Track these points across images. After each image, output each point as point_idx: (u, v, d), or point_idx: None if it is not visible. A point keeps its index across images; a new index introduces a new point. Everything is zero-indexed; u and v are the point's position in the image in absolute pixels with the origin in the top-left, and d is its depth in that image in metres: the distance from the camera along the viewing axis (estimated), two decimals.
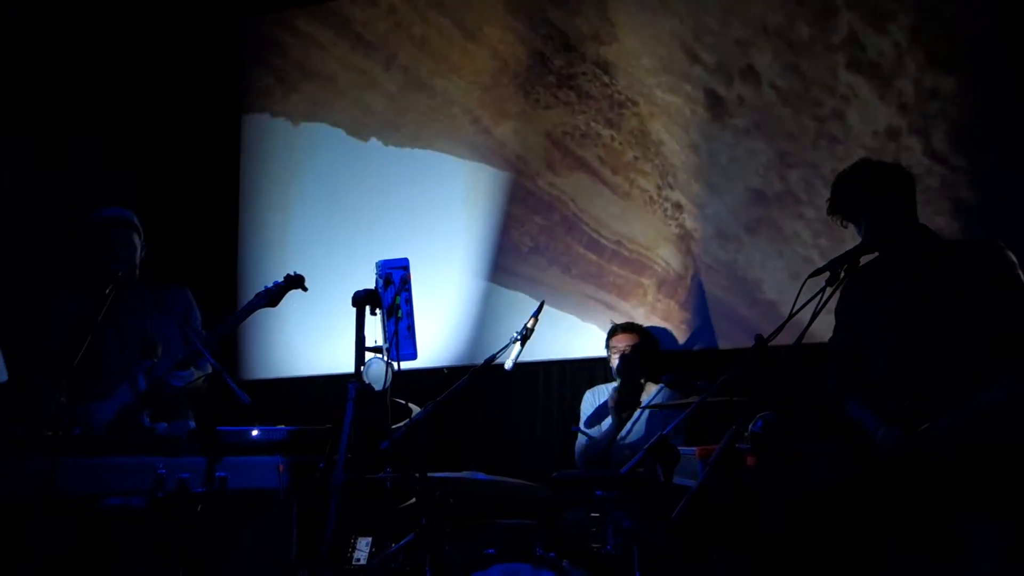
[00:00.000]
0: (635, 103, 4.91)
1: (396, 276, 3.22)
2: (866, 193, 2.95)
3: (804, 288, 2.61)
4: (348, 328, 3.13)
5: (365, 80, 5.61)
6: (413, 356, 3.24)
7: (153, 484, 3.13)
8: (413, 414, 3.40)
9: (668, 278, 4.75)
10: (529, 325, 3.66)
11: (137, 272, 3.81)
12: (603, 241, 4.92)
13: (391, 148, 5.51)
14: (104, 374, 3.69)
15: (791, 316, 2.59)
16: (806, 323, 2.54)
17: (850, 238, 3.07)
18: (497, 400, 4.94)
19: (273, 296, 3.81)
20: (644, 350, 4.37)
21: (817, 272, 2.69)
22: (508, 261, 5.12)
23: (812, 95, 4.57)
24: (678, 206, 4.77)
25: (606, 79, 4.99)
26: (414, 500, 3.24)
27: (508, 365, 3.63)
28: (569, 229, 5.00)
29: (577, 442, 4.41)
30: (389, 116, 5.54)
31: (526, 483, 3.71)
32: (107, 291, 3.47)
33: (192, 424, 3.77)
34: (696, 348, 4.66)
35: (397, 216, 5.42)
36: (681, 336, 4.69)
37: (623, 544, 3.43)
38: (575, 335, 4.90)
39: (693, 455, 3.02)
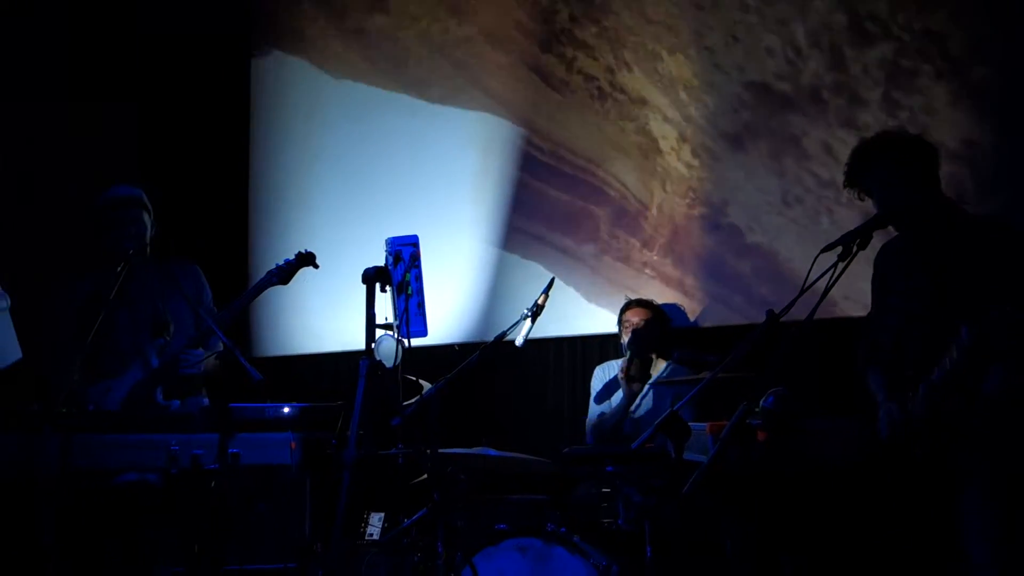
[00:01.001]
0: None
1: (406, 253, 3.22)
2: (882, 165, 2.93)
3: (816, 263, 2.59)
4: (359, 305, 3.13)
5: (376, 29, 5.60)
6: (423, 333, 3.25)
7: (166, 461, 3.16)
8: (424, 391, 3.41)
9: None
10: (540, 301, 3.66)
11: (148, 250, 3.82)
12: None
13: (399, 114, 5.48)
14: (116, 352, 3.71)
15: (803, 291, 2.57)
16: (818, 297, 2.52)
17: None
18: (508, 376, 4.94)
19: (285, 273, 3.82)
20: (656, 325, 4.36)
21: (830, 247, 2.67)
22: (519, 235, 5.10)
23: None
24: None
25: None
26: (426, 476, 3.25)
27: (519, 341, 3.64)
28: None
29: (588, 418, 4.42)
30: (400, 69, 5.52)
31: (537, 459, 3.72)
32: (118, 270, 3.48)
33: (205, 401, 3.79)
34: (707, 324, 4.64)
35: (407, 192, 5.40)
36: (692, 311, 4.67)
37: (634, 519, 3.45)
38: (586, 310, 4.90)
39: (704, 430, 3.03)
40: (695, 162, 4.73)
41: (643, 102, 4.85)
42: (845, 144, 4.06)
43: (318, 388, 5.26)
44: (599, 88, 4.98)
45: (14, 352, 3.34)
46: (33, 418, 3.16)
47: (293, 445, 3.28)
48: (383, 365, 3.11)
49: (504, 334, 3.64)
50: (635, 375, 4.24)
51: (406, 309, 3.17)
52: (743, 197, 4.60)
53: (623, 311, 4.47)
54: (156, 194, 3.91)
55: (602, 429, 4.30)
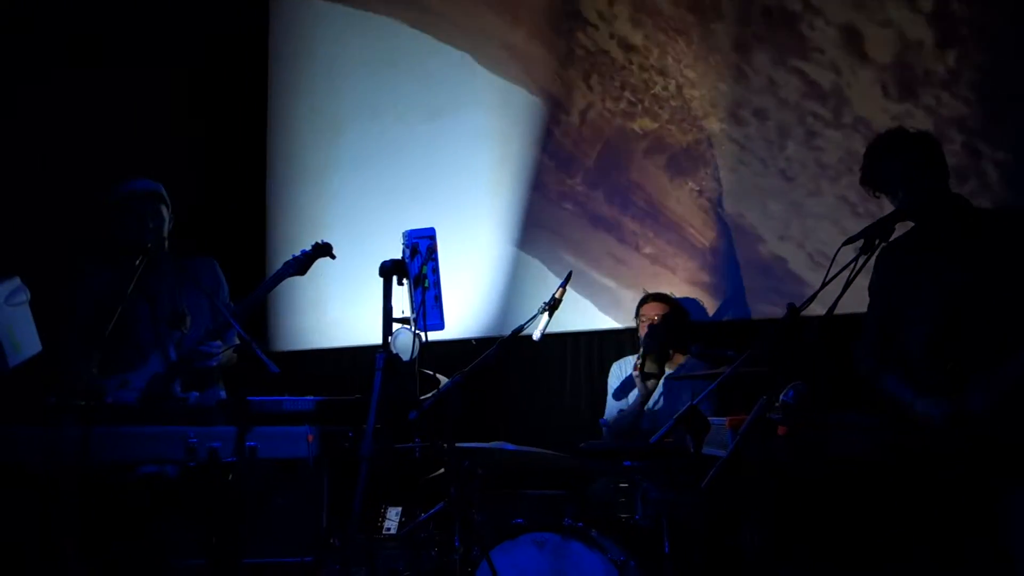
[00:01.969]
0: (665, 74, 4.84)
1: (423, 246, 3.21)
2: (901, 160, 2.90)
3: (837, 257, 2.57)
4: (376, 299, 3.13)
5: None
6: (440, 326, 3.24)
7: (184, 453, 3.16)
8: (441, 384, 3.40)
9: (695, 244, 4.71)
10: (557, 295, 3.64)
11: (166, 244, 3.83)
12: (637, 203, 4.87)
13: (417, 113, 5.47)
14: (135, 346, 3.72)
15: (824, 285, 2.56)
16: (839, 293, 2.50)
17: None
18: (525, 371, 4.93)
19: (301, 264, 3.83)
20: (673, 320, 4.33)
21: (851, 240, 2.65)
22: (537, 229, 5.09)
23: None
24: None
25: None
26: (443, 470, 3.25)
27: (536, 336, 3.62)
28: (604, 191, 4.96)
29: (606, 413, 4.40)
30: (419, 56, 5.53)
31: (554, 453, 3.71)
32: (136, 263, 3.49)
33: (223, 394, 3.80)
34: (726, 319, 4.62)
35: (425, 185, 5.40)
36: (711, 306, 4.65)
37: (652, 515, 3.43)
38: (603, 304, 4.88)
39: (723, 425, 3.00)
40: (724, 159, 4.70)
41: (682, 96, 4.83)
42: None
43: (335, 382, 5.27)
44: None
45: (34, 345, 3.35)
46: (51, 411, 3.17)
47: (310, 438, 3.28)
48: (400, 359, 3.10)
49: (521, 328, 3.62)
50: (649, 370, 4.22)
51: (423, 302, 3.16)
52: (768, 191, 4.58)
53: (640, 305, 4.44)
54: (173, 185, 3.92)
55: (620, 425, 4.28)
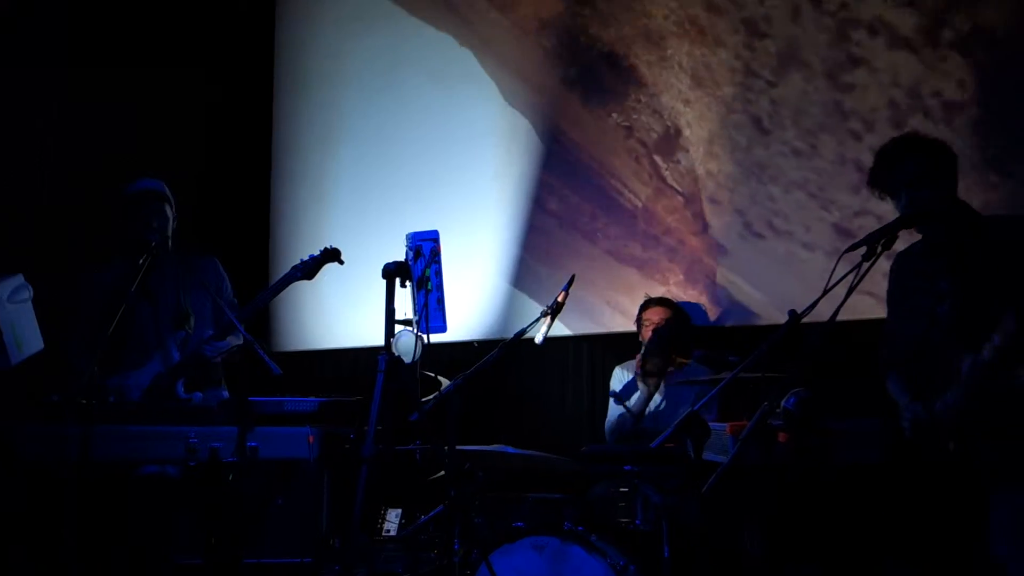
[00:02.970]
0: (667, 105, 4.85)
1: (426, 248, 3.21)
2: (910, 166, 2.90)
3: (840, 263, 2.57)
4: (379, 300, 3.13)
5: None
6: (443, 329, 3.24)
7: (185, 453, 3.17)
8: (443, 387, 3.40)
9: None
10: (559, 299, 3.64)
11: (169, 243, 3.83)
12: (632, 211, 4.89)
13: (422, 113, 5.48)
14: (138, 345, 3.73)
15: (826, 291, 2.55)
16: (841, 299, 2.50)
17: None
18: (527, 374, 4.93)
19: (309, 269, 3.84)
20: (676, 324, 4.33)
21: (854, 247, 2.64)
22: (540, 233, 5.09)
23: None
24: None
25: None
26: (443, 472, 3.24)
27: (538, 339, 3.62)
28: (602, 200, 4.97)
29: (607, 417, 4.40)
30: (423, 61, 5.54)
31: (555, 457, 3.71)
32: (140, 262, 3.50)
33: (225, 394, 3.80)
34: (728, 324, 4.62)
35: (429, 188, 5.40)
36: (712, 311, 4.65)
37: (653, 519, 3.43)
38: (605, 309, 4.88)
39: (724, 431, 3.00)
40: (713, 164, 4.71)
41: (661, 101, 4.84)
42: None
43: (337, 383, 5.27)
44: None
45: (36, 343, 3.36)
46: (54, 409, 3.18)
47: (311, 439, 3.28)
48: (402, 361, 3.11)
49: (523, 331, 3.62)
50: (651, 370, 4.22)
51: (426, 305, 3.16)
52: (761, 197, 4.58)
53: (642, 309, 4.44)
54: (177, 185, 3.93)
55: (621, 429, 4.28)
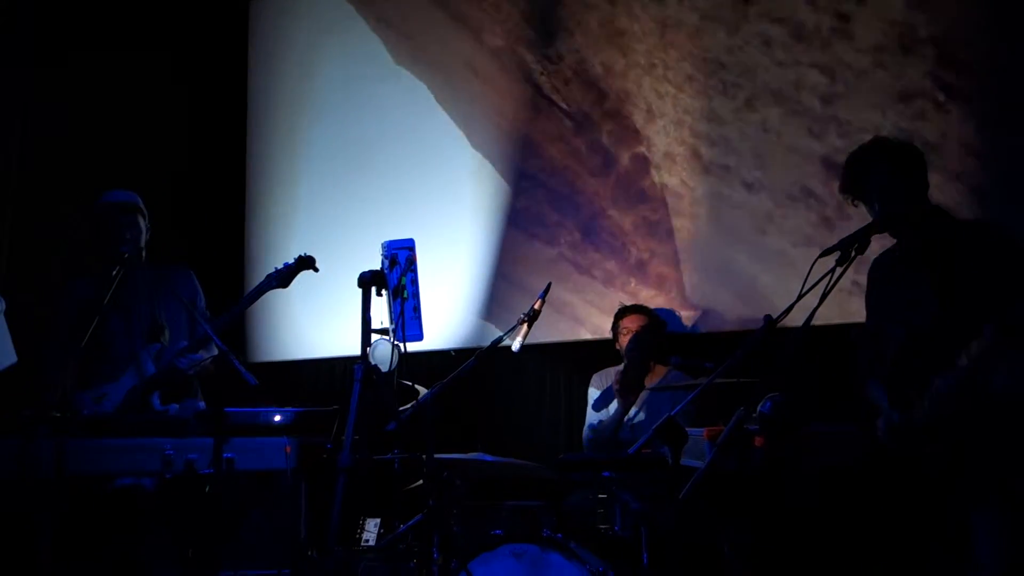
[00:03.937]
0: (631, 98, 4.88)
1: (402, 256, 3.21)
2: (881, 171, 2.92)
3: (814, 268, 2.59)
4: (354, 309, 3.12)
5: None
6: (419, 337, 3.24)
7: (161, 465, 3.14)
8: (420, 395, 3.40)
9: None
10: (536, 307, 3.65)
11: (143, 255, 3.81)
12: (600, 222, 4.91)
13: (398, 122, 5.49)
14: (112, 357, 3.70)
15: (800, 296, 2.57)
16: (815, 304, 2.52)
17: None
18: (504, 382, 4.93)
19: (284, 277, 3.82)
20: (652, 332, 4.35)
21: (828, 252, 2.66)
22: (515, 241, 5.10)
23: None
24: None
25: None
26: (422, 481, 3.24)
27: (515, 347, 3.62)
28: (573, 210, 4.98)
29: (585, 424, 4.40)
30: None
31: (533, 465, 3.71)
32: (113, 274, 3.47)
33: (201, 405, 3.78)
34: (702, 331, 4.64)
35: (403, 196, 5.40)
36: (687, 318, 4.67)
37: (631, 526, 3.43)
38: (581, 317, 4.90)
39: (701, 436, 3.01)
40: (687, 176, 4.73)
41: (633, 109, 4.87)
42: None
43: (313, 393, 5.25)
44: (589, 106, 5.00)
45: (9, 356, 3.33)
46: (27, 422, 3.14)
47: (288, 450, 3.27)
48: (379, 370, 3.10)
49: (500, 339, 3.63)
50: (631, 383, 4.23)
51: (402, 313, 3.16)
52: (735, 210, 4.61)
53: (619, 317, 4.45)
54: (150, 196, 3.91)
55: (599, 436, 4.29)
